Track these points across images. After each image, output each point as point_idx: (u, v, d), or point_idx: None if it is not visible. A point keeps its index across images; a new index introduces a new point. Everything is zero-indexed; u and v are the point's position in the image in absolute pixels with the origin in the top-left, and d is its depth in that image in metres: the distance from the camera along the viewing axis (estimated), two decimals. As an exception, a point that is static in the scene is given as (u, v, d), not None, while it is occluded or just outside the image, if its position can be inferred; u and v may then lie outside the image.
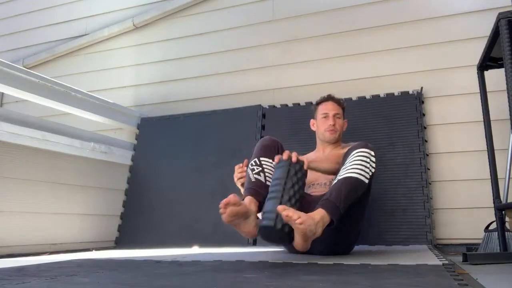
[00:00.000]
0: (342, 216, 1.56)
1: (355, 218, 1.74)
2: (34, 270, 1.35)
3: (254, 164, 1.77)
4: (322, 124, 2.12)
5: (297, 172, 1.57)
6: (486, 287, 1.02)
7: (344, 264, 1.38)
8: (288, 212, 1.38)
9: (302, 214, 1.40)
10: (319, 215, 1.47)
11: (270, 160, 1.76)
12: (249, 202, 1.60)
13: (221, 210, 1.47)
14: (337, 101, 2.15)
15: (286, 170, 1.56)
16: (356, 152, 1.64)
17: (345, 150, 2.05)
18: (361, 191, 1.60)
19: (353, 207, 1.62)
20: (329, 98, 2.16)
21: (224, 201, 1.46)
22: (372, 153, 1.65)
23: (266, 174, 1.73)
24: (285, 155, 1.61)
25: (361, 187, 1.60)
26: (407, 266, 1.30)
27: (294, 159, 1.58)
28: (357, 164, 1.61)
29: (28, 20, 3.99)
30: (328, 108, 2.12)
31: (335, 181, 1.61)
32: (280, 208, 1.40)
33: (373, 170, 1.63)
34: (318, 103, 2.19)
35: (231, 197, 1.47)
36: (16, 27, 4.01)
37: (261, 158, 1.78)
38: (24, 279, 1.12)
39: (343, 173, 1.61)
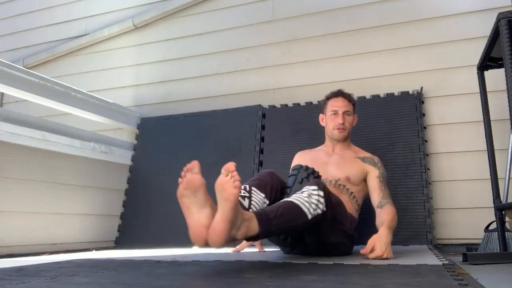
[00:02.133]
0: (272, 234, 1.42)
1: (333, 239, 1.66)
2: (34, 270, 1.35)
3: (243, 189, 1.58)
4: (331, 121, 2.05)
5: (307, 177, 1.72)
6: (486, 287, 1.03)
7: (344, 264, 1.38)
8: (234, 173, 1.19)
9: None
10: (248, 214, 1.28)
11: (263, 195, 1.60)
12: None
13: (179, 179, 1.23)
14: (348, 97, 2.07)
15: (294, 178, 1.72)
16: (307, 188, 1.51)
17: (359, 155, 2.03)
18: (301, 220, 1.42)
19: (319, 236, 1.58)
20: (340, 93, 2.07)
21: (187, 166, 1.24)
22: (321, 193, 1.50)
23: (252, 202, 1.55)
24: None
25: (301, 216, 1.42)
26: (407, 266, 1.30)
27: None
28: (305, 196, 1.47)
29: (28, 20, 3.98)
30: (338, 104, 2.04)
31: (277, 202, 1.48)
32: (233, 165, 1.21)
33: (318, 210, 1.46)
34: (328, 97, 2.11)
35: (194, 162, 1.24)
36: (16, 27, 4.01)
37: (253, 188, 1.61)
38: (24, 279, 1.12)
39: (287, 198, 1.50)
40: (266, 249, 2.11)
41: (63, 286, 0.99)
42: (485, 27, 2.17)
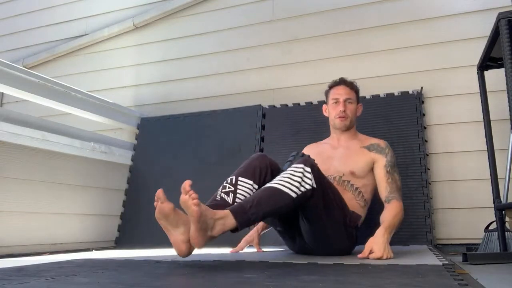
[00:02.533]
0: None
1: (328, 228, 1.66)
2: (34, 270, 1.35)
3: (229, 181, 1.60)
4: (333, 109, 2.01)
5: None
6: (486, 287, 1.02)
7: (344, 264, 1.38)
8: (190, 192, 1.29)
9: (202, 205, 1.33)
10: (222, 213, 1.37)
11: (250, 182, 1.60)
12: None
13: (155, 203, 1.39)
14: (350, 85, 2.01)
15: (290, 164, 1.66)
16: (291, 167, 1.55)
17: (364, 143, 1.97)
18: (282, 202, 1.46)
19: (317, 219, 1.60)
20: (341, 81, 2.02)
21: (156, 194, 1.38)
22: (308, 169, 1.52)
23: (238, 195, 1.56)
24: None
25: (283, 198, 1.46)
26: (407, 266, 1.30)
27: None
28: (285, 177, 1.50)
29: (28, 20, 3.99)
30: (339, 92, 1.99)
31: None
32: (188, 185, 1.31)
33: (307, 186, 1.49)
34: (330, 86, 2.06)
35: (158, 192, 1.37)
36: (16, 27, 4.02)
37: (240, 178, 1.61)
38: (24, 279, 1.12)
39: (267, 184, 1.52)
40: (265, 249, 2.11)
41: (63, 286, 0.99)
42: (485, 27, 2.17)
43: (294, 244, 1.86)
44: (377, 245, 1.57)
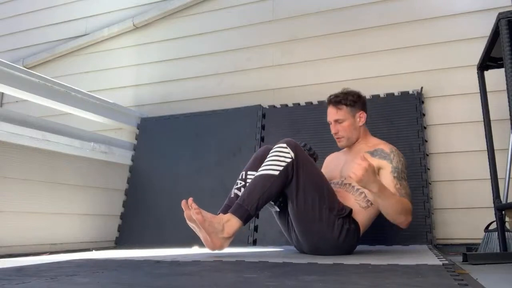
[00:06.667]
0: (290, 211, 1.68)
1: (315, 216, 1.65)
2: (34, 270, 1.35)
3: (239, 178, 1.78)
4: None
5: None
6: (486, 287, 1.02)
7: (344, 264, 1.38)
8: (192, 205, 1.53)
9: (207, 214, 1.55)
10: (227, 216, 1.58)
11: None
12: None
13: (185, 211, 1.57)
14: (335, 103, 1.91)
15: None
16: (270, 152, 1.70)
17: (370, 149, 1.89)
18: (269, 183, 1.60)
19: (301, 203, 1.64)
20: (328, 101, 1.95)
21: (188, 203, 1.56)
22: (283, 145, 1.66)
23: None
24: None
25: (268, 180, 1.61)
26: (407, 266, 1.29)
27: None
28: (266, 161, 1.66)
29: (28, 20, 3.99)
30: (329, 114, 1.95)
31: None
32: (190, 201, 1.54)
33: (287, 160, 1.62)
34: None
35: (184, 202, 1.55)
36: (16, 27, 4.02)
37: (248, 172, 1.77)
38: (24, 279, 1.12)
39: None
40: (265, 249, 2.11)
41: (63, 286, 0.99)
42: (485, 27, 2.17)
43: (290, 234, 1.86)
44: (365, 171, 1.53)
